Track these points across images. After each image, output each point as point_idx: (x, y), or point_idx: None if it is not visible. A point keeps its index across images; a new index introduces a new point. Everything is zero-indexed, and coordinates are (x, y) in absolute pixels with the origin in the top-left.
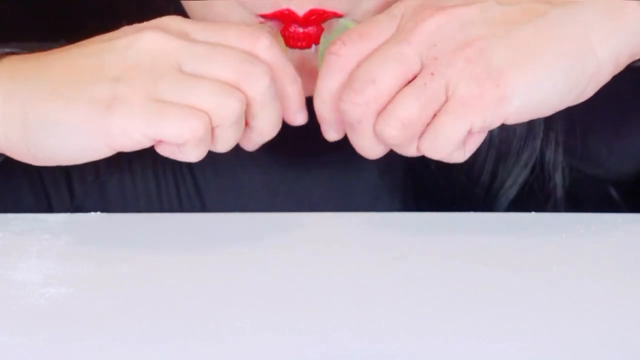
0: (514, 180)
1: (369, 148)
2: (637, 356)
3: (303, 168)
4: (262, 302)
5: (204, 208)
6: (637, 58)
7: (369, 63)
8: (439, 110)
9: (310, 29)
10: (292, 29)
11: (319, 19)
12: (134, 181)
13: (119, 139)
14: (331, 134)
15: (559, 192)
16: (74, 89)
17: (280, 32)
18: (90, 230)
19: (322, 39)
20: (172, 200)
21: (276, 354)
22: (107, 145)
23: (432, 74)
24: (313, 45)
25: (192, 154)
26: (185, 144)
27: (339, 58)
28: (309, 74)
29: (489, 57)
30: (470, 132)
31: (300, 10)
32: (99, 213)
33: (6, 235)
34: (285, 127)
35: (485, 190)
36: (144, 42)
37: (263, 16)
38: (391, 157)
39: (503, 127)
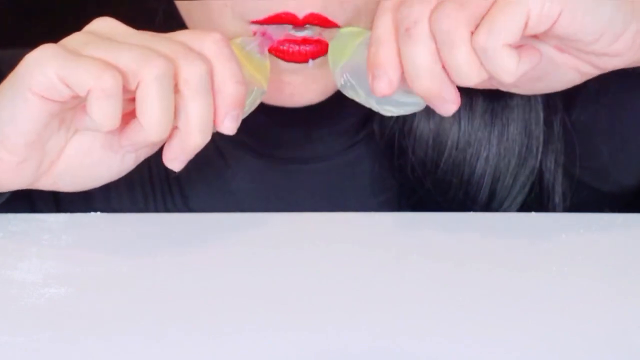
0: (511, 201)
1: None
2: (637, 356)
3: (294, 177)
4: (264, 302)
5: None
6: None
7: None
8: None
9: (306, 48)
10: (285, 46)
11: (318, 24)
12: (120, 193)
13: (35, 76)
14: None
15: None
16: None
17: (275, 49)
18: (90, 230)
19: (330, 47)
20: (158, 208)
21: (275, 354)
22: (29, 88)
23: None
24: (310, 61)
25: (98, 111)
26: (90, 94)
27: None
28: (302, 85)
29: None
30: (526, 27)
31: (300, 13)
32: (99, 213)
33: (6, 235)
34: (279, 136)
35: (484, 209)
36: (95, 22)
37: (258, 22)
38: (385, 174)
39: (501, 143)
